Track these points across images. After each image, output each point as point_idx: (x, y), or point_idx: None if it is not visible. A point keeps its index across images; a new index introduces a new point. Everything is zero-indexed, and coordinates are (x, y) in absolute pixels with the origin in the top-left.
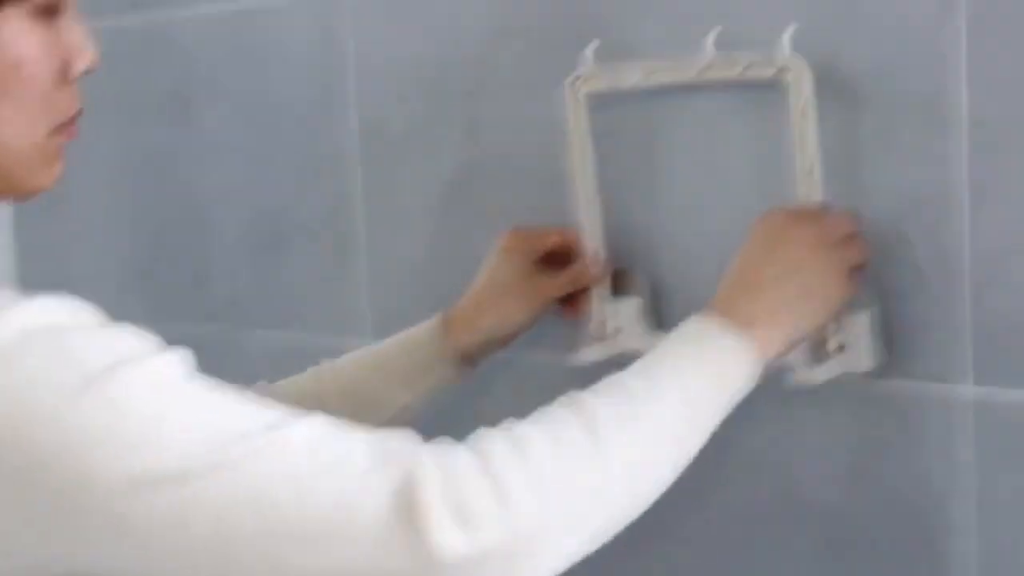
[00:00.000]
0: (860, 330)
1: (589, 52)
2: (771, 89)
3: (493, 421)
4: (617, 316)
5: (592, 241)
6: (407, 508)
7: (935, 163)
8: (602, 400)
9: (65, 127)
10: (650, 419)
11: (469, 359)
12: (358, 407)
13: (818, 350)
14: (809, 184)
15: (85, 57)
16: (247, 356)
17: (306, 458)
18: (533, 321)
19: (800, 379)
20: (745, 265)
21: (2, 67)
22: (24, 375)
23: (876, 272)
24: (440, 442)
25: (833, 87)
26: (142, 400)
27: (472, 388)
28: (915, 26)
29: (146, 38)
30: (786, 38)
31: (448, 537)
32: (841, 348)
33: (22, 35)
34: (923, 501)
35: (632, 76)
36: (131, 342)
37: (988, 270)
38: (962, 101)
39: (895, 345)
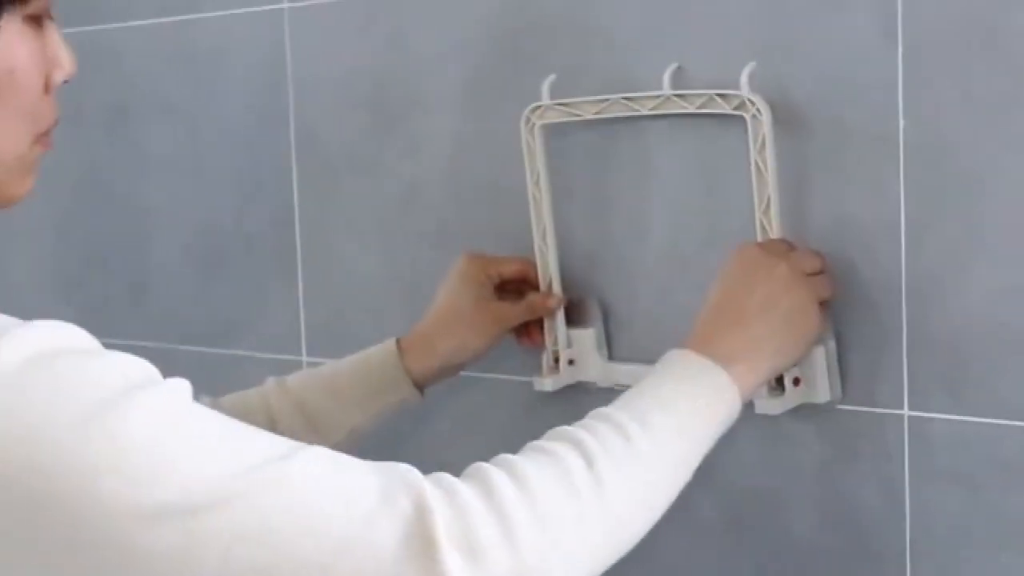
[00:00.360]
0: (817, 364)
1: (545, 87)
2: (724, 120)
3: (448, 439)
4: (572, 347)
5: (547, 271)
6: (418, 540)
7: (875, 192)
8: (599, 438)
9: (43, 137)
10: (646, 458)
11: (422, 383)
12: (308, 426)
13: (777, 383)
14: (768, 216)
15: (65, 67)
16: (183, 372)
17: (315, 491)
18: (489, 348)
19: (760, 410)
20: (725, 299)
21: None
22: (30, 405)
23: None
24: (439, 476)
25: (779, 118)
26: (150, 431)
27: (429, 405)
28: (856, 58)
29: (85, 49)
30: (745, 75)
31: (458, 569)
32: (797, 382)
33: (16, 42)
34: (861, 521)
35: (589, 110)
36: (134, 370)
37: (923, 297)
38: (899, 129)
39: (842, 372)
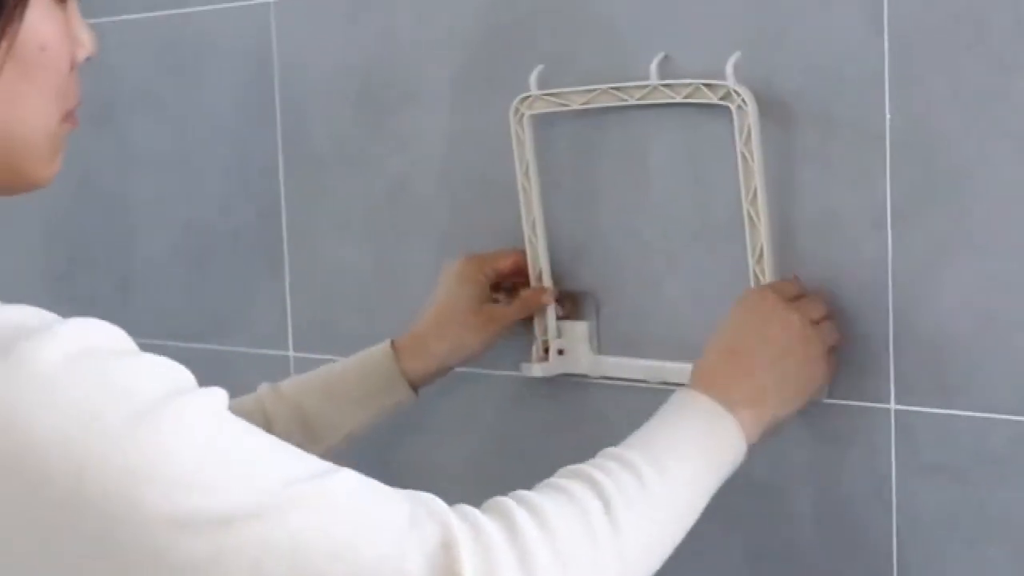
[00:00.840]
0: None
1: (534, 77)
2: (712, 110)
3: (439, 433)
4: (563, 337)
5: (537, 263)
6: (444, 568)
7: (861, 185)
8: (614, 480)
9: (70, 115)
10: (659, 503)
11: (418, 384)
12: (304, 431)
13: None
14: (755, 206)
15: (87, 45)
16: None
17: (348, 513)
18: (485, 349)
19: None
20: (738, 344)
21: (29, 50)
22: (70, 406)
23: (812, 291)
24: (463, 509)
25: (765, 110)
26: (189, 439)
27: (423, 399)
28: (843, 51)
29: None
30: (730, 65)
31: None
32: None
33: (47, 18)
34: (848, 514)
35: (577, 99)
36: (174, 375)
37: (909, 290)
38: (885, 122)
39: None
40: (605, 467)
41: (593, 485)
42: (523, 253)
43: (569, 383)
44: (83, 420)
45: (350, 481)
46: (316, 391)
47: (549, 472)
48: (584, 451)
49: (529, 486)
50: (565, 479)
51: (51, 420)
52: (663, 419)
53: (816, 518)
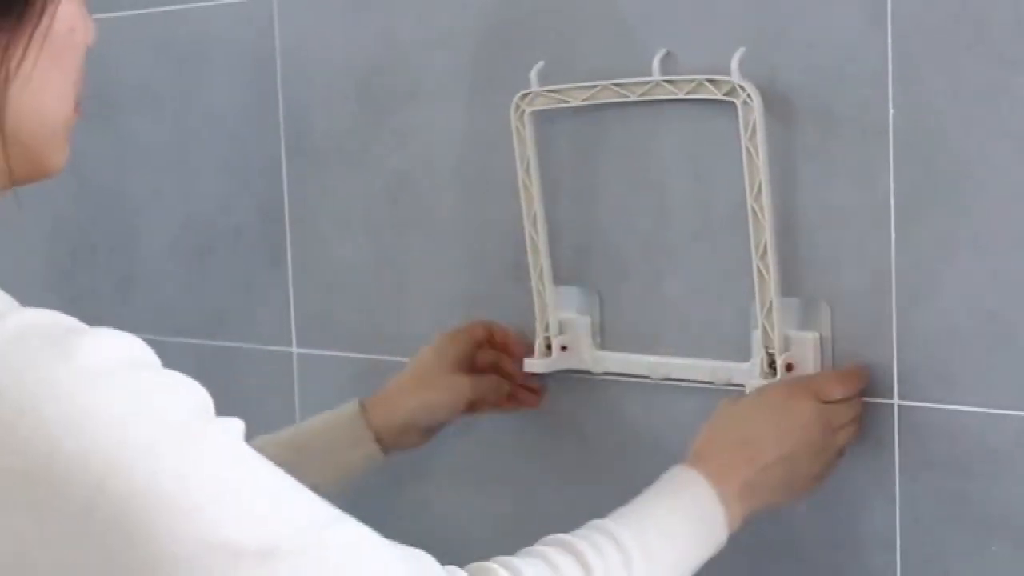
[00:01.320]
0: (809, 352)
1: (534, 73)
2: (714, 106)
3: (444, 431)
4: (566, 334)
5: (538, 261)
6: None
7: (865, 180)
8: (602, 558)
9: (78, 104)
10: None
11: (386, 439)
12: None
13: (769, 367)
14: (759, 202)
15: (92, 32)
16: (174, 364)
17: (352, 564)
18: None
19: (750, 389)
20: (750, 433)
21: (61, 32)
22: (104, 421)
23: (815, 287)
24: (452, 571)
25: (768, 106)
26: (214, 468)
27: None
28: (845, 47)
29: None
30: (735, 61)
31: None
32: (790, 367)
33: (73, 1)
34: (851, 508)
35: (578, 96)
36: (199, 397)
37: (913, 286)
38: (888, 119)
39: (833, 360)
40: (595, 542)
41: (579, 559)
42: (483, 323)
43: (572, 379)
44: (113, 440)
45: (357, 532)
46: (283, 443)
47: (551, 470)
48: (586, 448)
49: (528, 484)
50: (552, 548)
51: (79, 438)
52: (659, 497)
53: (818, 512)
